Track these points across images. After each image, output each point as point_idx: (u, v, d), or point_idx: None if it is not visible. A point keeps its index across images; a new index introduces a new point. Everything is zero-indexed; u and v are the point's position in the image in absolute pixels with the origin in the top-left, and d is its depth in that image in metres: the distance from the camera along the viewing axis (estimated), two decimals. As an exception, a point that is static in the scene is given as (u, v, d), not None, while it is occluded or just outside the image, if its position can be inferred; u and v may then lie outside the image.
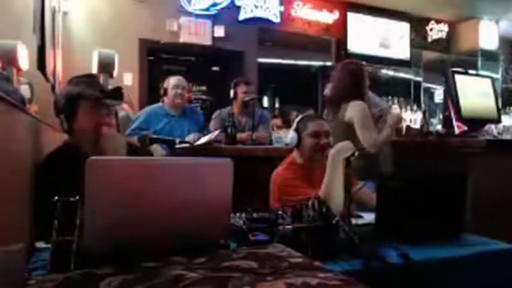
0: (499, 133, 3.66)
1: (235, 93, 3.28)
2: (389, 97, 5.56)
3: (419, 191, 1.49)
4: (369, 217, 1.65)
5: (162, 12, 4.68)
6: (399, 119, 2.57)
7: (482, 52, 6.66)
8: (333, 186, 1.73)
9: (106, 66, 3.40)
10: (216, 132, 2.80)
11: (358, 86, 2.49)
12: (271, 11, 5.32)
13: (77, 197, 1.00)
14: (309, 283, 0.85)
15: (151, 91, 4.53)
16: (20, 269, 0.84)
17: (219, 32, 4.95)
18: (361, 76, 2.53)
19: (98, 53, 3.42)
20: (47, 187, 1.22)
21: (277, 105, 6.11)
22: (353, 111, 2.40)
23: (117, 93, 1.61)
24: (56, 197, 1.02)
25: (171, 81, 3.14)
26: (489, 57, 6.77)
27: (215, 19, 4.96)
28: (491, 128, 3.28)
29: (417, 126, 4.94)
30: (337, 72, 2.60)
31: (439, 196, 1.52)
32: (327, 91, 2.78)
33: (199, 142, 2.65)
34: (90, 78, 1.64)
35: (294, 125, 2.01)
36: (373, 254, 1.20)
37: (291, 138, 1.99)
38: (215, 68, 5.30)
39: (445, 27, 6.77)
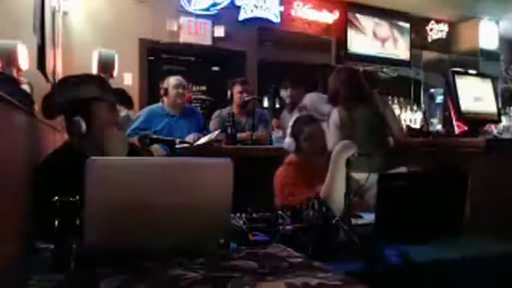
0: (499, 133, 3.66)
1: (232, 94, 3.29)
2: (389, 97, 5.55)
3: (420, 191, 1.49)
4: (369, 217, 1.65)
5: (162, 12, 4.68)
6: None
7: (482, 52, 6.65)
8: (334, 186, 1.74)
9: (106, 66, 3.40)
10: (216, 132, 2.80)
11: (361, 85, 2.68)
12: (271, 11, 5.32)
13: (77, 197, 1.00)
14: (309, 283, 0.85)
15: (151, 91, 4.53)
16: (20, 269, 0.84)
17: (219, 32, 4.94)
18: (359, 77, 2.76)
19: (98, 53, 3.42)
20: (49, 187, 1.22)
21: (277, 105, 6.10)
22: (385, 104, 2.69)
23: (128, 101, 1.62)
24: (56, 197, 1.03)
25: (171, 82, 3.13)
26: (489, 57, 6.76)
27: (215, 19, 4.95)
28: (491, 128, 3.28)
29: (417, 126, 4.96)
30: (341, 76, 2.74)
31: (439, 196, 1.51)
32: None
33: (199, 142, 2.65)
34: (103, 81, 1.64)
35: (289, 130, 2.02)
36: (373, 254, 1.20)
37: (288, 144, 2.00)
38: (215, 68, 5.29)
39: (445, 27, 6.76)
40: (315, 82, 5.88)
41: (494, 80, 3.33)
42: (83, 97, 1.51)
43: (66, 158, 1.46)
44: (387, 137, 2.63)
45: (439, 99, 6.38)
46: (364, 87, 2.66)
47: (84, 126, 1.49)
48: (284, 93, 3.55)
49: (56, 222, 1.01)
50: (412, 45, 6.42)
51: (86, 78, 1.61)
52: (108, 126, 1.54)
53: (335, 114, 2.65)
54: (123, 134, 1.67)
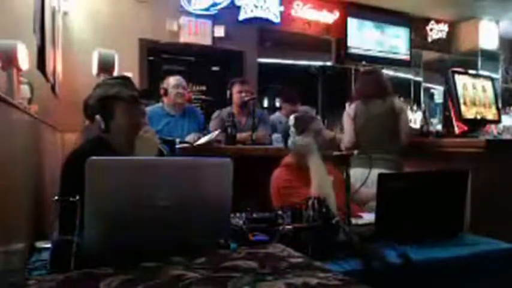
0: (499, 133, 3.67)
1: (231, 94, 3.29)
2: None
3: (420, 191, 1.49)
4: (368, 217, 1.65)
5: (162, 12, 4.68)
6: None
7: (482, 52, 6.65)
8: (319, 185, 1.74)
9: (106, 66, 3.39)
10: (216, 132, 2.80)
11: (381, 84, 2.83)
12: (271, 11, 5.32)
13: (77, 197, 1.00)
14: (309, 283, 0.85)
15: (151, 91, 4.53)
16: (20, 269, 0.84)
17: (219, 32, 4.94)
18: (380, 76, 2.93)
19: (98, 53, 3.42)
20: (73, 180, 1.22)
21: (277, 105, 6.10)
22: (402, 109, 2.79)
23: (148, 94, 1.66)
24: (56, 197, 1.03)
25: (171, 81, 3.13)
26: (489, 57, 6.76)
27: (215, 19, 4.96)
28: (491, 128, 3.28)
29: (417, 126, 4.95)
30: (362, 76, 3.00)
31: (439, 196, 1.51)
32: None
33: (199, 142, 2.64)
34: (125, 80, 1.66)
35: (292, 129, 2.01)
36: (373, 254, 1.20)
37: (290, 142, 1.99)
38: (215, 68, 5.29)
39: (445, 27, 6.76)
40: (314, 82, 5.93)
41: (494, 80, 3.33)
42: (112, 96, 1.55)
43: (93, 152, 1.46)
44: (398, 137, 2.68)
45: (439, 99, 6.38)
46: (384, 87, 2.77)
47: (102, 123, 1.52)
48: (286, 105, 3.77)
49: (56, 223, 1.01)
50: (412, 45, 6.43)
51: (117, 78, 1.65)
52: (137, 124, 1.57)
53: (351, 107, 2.78)
54: (153, 132, 1.68)
